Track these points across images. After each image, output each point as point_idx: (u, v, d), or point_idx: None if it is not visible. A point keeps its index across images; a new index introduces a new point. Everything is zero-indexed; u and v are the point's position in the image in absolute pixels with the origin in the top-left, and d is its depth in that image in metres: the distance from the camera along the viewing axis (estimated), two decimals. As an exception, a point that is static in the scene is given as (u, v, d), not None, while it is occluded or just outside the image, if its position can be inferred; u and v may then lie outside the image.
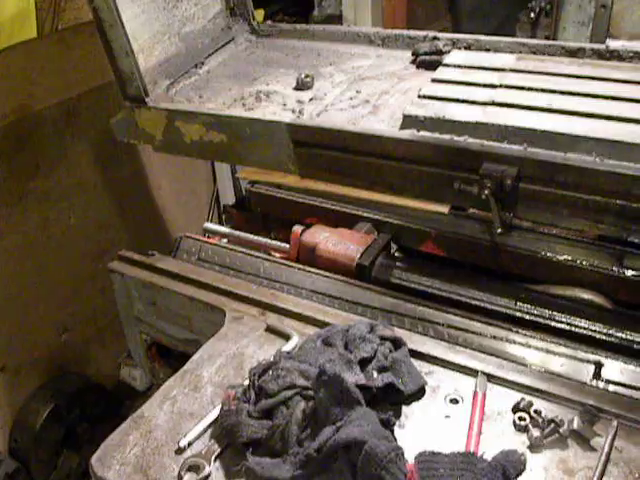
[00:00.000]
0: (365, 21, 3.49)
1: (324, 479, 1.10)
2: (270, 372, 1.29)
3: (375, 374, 1.29)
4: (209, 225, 2.16)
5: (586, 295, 1.68)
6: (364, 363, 1.31)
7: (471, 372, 1.38)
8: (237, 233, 2.06)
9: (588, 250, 1.74)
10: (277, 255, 1.89)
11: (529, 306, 1.60)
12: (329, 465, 1.11)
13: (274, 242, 1.90)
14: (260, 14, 3.61)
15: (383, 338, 1.37)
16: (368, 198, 1.93)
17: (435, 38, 2.31)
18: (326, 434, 1.11)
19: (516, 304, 1.61)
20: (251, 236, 1.97)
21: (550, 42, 2.19)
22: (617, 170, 1.62)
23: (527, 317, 1.59)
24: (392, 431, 1.22)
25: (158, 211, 3.20)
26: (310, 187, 2.01)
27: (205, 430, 1.30)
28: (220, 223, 2.99)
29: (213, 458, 1.24)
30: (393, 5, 3.50)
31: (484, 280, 1.71)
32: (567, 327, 1.55)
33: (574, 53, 2.14)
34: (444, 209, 1.85)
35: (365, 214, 1.92)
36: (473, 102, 1.88)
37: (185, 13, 2.37)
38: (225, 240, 2.05)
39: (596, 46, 2.12)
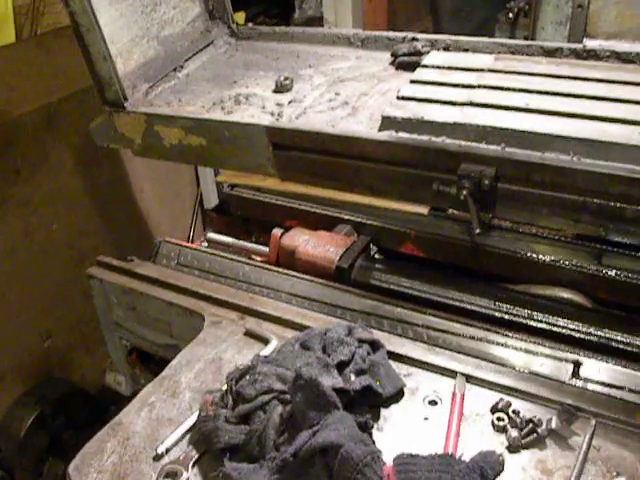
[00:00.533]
0: (346, 23, 3.49)
1: (302, 484, 1.10)
2: (247, 377, 1.28)
3: (353, 377, 1.28)
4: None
5: (565, 294, 1.68)
6: (342, 366, 1.31)
7: (450, 373, 1.38)
8: (228, 239, 2.05)
9: (567, 249, 1.74)
10: (258, 259, 1.88)
11: (509, 306, 1.60)
12: (306, 470, 1.10)
13: (254, 246, 1.90)
14: (241, 17, 3.61)
15: (361, 341, 1.37)
16: (348, 200, 1.93)
17: (414, 39, 2.31)
18: (302, 438, 1.11)
19: (496, 304, 1.61)
20: (232, 240, 1.96)
21: (528, 42, 2.19)
22: (594, 169, 1.63)
23: (507, 317, 1.59)
24: (370, 434, 1.22)
25: (141, 216, 3.19)
26: (290, 190, 2.01)
27: (183, 436, 1.29)
28: (204, 227, 2.98)
29: (191, 464, 1.23)
30: (374, 7, 3.50)
31: (464, 281, 1.71)
32: (546, 326, 1.55)
33: (552, 53, 2.15)
34: (424, 210, 1.85)
35: (345, 216, 1.92)
36: (451, 103, 1.88)
37: (164, 17, 2.36)
38: (205, 244, 2.04)
39: (573, 46, 2.13)
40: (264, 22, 3.74)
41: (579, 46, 2.11)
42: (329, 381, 1.22)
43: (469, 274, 1.78)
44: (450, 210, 1.82)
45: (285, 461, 1.09)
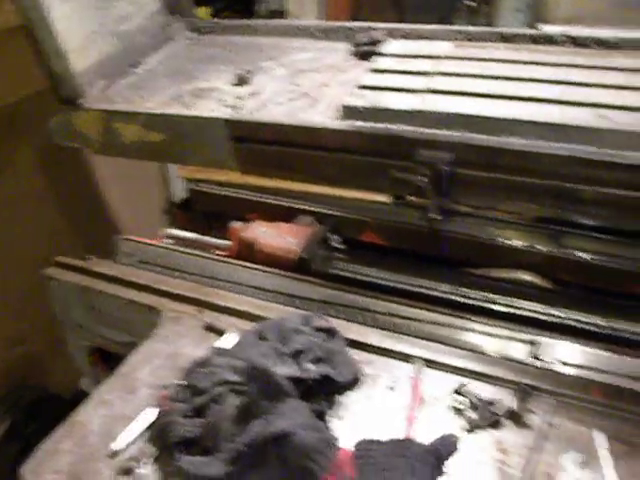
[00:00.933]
0: (309, 15, 3.48)
1: (256, 474, 1.09)
2: (202, 370, 1.27)
3: (309, 366, 1.27)
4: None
5: (525, 276, 1.69)
6: (298, 355, 1.30)
7: (410, 359, 1.37)
8: (189, 235, 2.03)
9: (527, 232, 1.75)
10: (221, 253, 1.87)
11: (469, 290, 1.60)
12: (260, 459, 1.09)
13: (215, 240, 1.89)
14: (206, 12, 3.59)
15: (318, 329, 1.36)
16: (309, 191, 1.92)
17: (372, 29, 2.31)
18: (255, 428, 1.10)
19: (456, 289, 1.61)
20: (194, 235, 1.94)
21: (487, 29, 2.19)
22: (553, 152, 1.63)
23: (467, 301, 1.59)
24: (326, 422, 1.21)
25: (109, 216, 3.15)
26: (251, 183, 1.99)
27: (139, 433, 1.27)
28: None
29: (147, 460, 1.21)
30: (338, 3, 3.49)
31: (425, 267, 1.71)
32: (506, 309, 1.55)
33: (510, 39, 2.16)
34: (384, 198, 1.85)
35: (306, 207, 1.91)
36: (410, 90, 1.88)
37: (121, 12, 2.33)
38: (170, 241, 2.02)
39: (530, 31, 2.14)
40: (229, 17, 3.72)
41: (535, 31, 2.12)
42: (284, 370, 1.21)
43: (430, 260, 1.78)
44: (410, 197, 1.81)
45: (238, 452, 1.08)
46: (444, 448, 1.14)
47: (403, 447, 1.11)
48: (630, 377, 1.33)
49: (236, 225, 1.78)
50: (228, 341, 1.43)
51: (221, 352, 1.32)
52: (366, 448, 1.12)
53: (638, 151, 1.57)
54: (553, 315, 1.52)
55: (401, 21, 3.83)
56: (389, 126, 1.78)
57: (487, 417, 1.24)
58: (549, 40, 2.11)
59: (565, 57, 1.98)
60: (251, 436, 1.08)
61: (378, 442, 1.13)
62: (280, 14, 3.69)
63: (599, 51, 2.03)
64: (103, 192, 3.08)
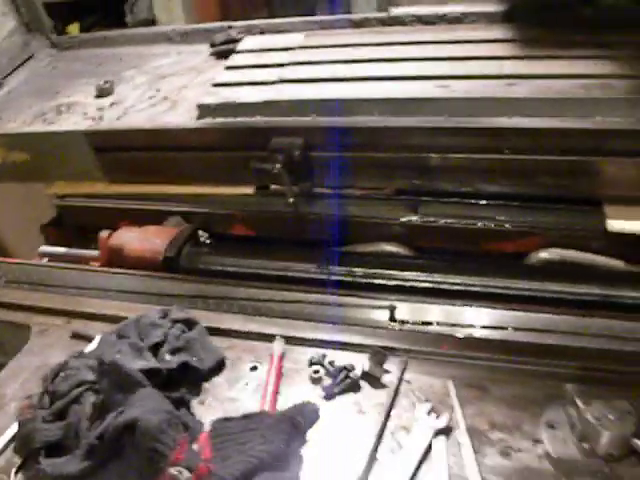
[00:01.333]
0: (177, 21, 3.50)
1: (113, 465, 1.10)
2: (61, 374, 1.28)
3: (168, 357, 1.30)
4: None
5: (389, 247, 1.75)
6: (157, 348, 1.32)
7: (270, 338, 1.41)
8: (60, 250, 2.03)
9: (386, 205, 1.81)
10: (94, 264, 1.87)
11: (334, 268, 1.65)
12: (116, 450, 1.11)
13: (85, 251, 1.89)
14: (75, 28, 3.56)
15: (175, 321, 1.38)
16: (176, 192, 1.94)
17: (230, 27, 2.35)
18: (108, 421, 1.12)
19: (322, 268, 1.66)
20: (64, 249, 1.94)
21: (337, 17, 2.27)
22: (396, 124, 1.70)
23: (332, 278, 1.63)
24: (188, 408, 1.24)
25: (-1, 244, 3.08)
26: (120, 191, 2.00)
27: (6, 446, 1.27)
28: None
29: (14, 471, 1.22)
30: (205, 3, 3.51)
31: (293, 251, 1.75)
32: (368, 280, 1.61)
33: (360, 24, 2.23)
34: (249, 190, 1.89)
35: (173, 208, 1.93)
36: (262, 83, 1.93)
37: (-26, 35, 2.30)
38: (45, 260, 2.01)
39: (379, 15, 2.22)
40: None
41: (384, 14, 2.20)
42: (140, 364, 1.23)
43: (298, 244, 1.82)
44: (272, 186, 1.86)
45: (91, 445, 1.10)
46: (301, 416, 1.18)
47: (256, 420, 1.15)
48: (480, 327, 1.40)
49: (104, 234, 1.79)
50: (94, 345, 1.44)
51: (78, 355, 1.33)
52: (220, 427, 1.15)
53: (476, 116, 1.66)
54: (410, 280, 1.58)
55: (272, 18, 3.89)
56: (244, 119, 1.82)
57: (343, 382, 1.29)
58: (398, 21, 2.19)
59: (411, 35, 2.07)
60: (103, 428, 1.10)
61: (232, 419, 1.17)
62: (150, 22, 3.69)
63: (443, 27, 2.13)
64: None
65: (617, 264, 1.62)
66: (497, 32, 1.92)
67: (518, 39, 1.83)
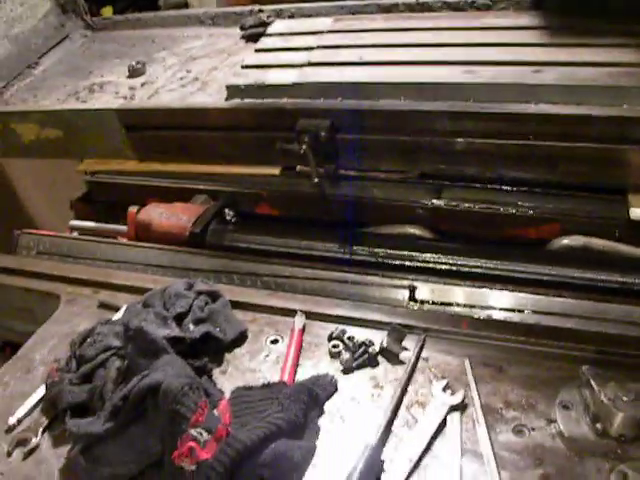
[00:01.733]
0: (210, 5, 3.53)
1: (135, 426, 1.14)
2: (88, 339, 1.32)
3: (192, 327, 1.34)
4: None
5: (411, 230, 1.77)
6: (181, 318, 1.36)
7: (291, 313, 1.44)
8: (90, 224, 2.08)
9: (410, 189, 1.83)
10: (122, 238, 1.92)
11: (358, 247, 1.68)
12: (140, 412, 1.15)
13: (114, 226, 1.93)
14: (109, 11, 3.61)
15: (200, 293, 1.42)
16: (204, 171, 1.98)
17: (260, 11, 2.37)
18: (132, 383, 1.15)
19: (345, 248, 1.68)
20: (94, 224, 1.99)
21: (366, 2, 2.28)
22: (421, 108, 1.72)
23: (356, 257, 1.66)
24: (210, 376, 1.27)
25: (28, 214, 3.14)
26: (149, 169, 2.04)
27: (35, 406, 1.32)
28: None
29: (41, 430, 1.26)
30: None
31: (317, 231, 1.78)
32: (390, 261, 1.63)
33: (388, 9, 2.24)
34: (275, 171, 1.92)
35: (201, 187, 1.96)
36: (291, 65, 1.95)
37: (11, 14, 2.36)
38: (75, 233, 2.06)
39: (407, 0, 2.22)
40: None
41: (412, 0, 2.21)
42: (164, 332, 1.27)
43: (323, 225, 1.85)
44: (298, 167, 1.89)
45: (115, 406, 1.14)
46: (319, 387, 1.22)
47: (275, 390, 1.19)
48: (499, 309, 1.42)
49: (133, 209, 1.83)
50: (121, 314, 1.48)
51: (106, 322, 1.37)
52: (240, 395, 1.19)
53: (501, 102, 1.67)
54: (431, 261, 1.60)
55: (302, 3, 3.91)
56: (272, 101, 1.85)
57: (362, 357, 1.31)
58: (426, 7, 2.20)
59: (439, 21, 2.08)
60: (127, 390, 1.14)
61: (251, 388, 1.20)
62: (184, 6, 3.72)
63: (472, 13, 2.13)
64: (21, 192, 3.06)
65: (638, 252, 1.62)
66: (525, 19, 1.92)
67: (546, 26, 1.83)
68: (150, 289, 1.54)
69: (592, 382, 1.17)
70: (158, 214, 1.80)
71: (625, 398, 1.12)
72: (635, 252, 1.64)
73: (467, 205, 1.76)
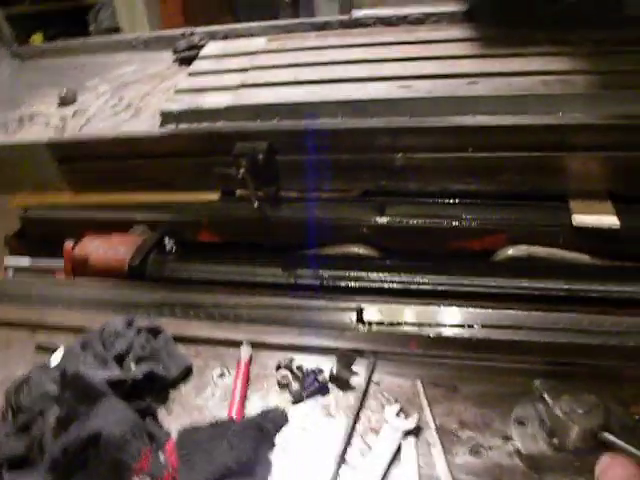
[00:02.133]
0: (143, 30, 3.47)
1: (77, 478, 1.08)
2: (25, 387, 1.26)
3: (133, 366, 1.28)
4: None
5: (356, 249, 1.75)
6: (122, 358, 1.30)
7: (237, 344, 1.40)
8: (24, 261, 2.00)
9: (353, 207, 1.80)
10: (60, 275, 1.84)
11: (301, 271, 1.64)
12: (81, 464, 1.09)
13: (50, 262, 1.86)
14: (39, 38, 3.52)
15: (140, 329, 1.36)
16: (142, 201, 1.92)
17: (192, 34, 2.34)
18: (71, 433, 1.09)
19: (289, 272, 1.64)
20: (32, 261, 1.91)
21: (299, 20, 2.27)
22: (358, 126, 1.70)
23: (300, 281, 1.62)
24: (154, 417, 1.22)
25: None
26: (85, 201, 1.98)
27: (-31, 462, 1.24)
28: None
29: (-23, 488, 1.19)
30: (170, 11, 3.49)
31: (259, 255, 1.74)
32: (335, 282, 1.60)
33: (323, 27, 2.23)
34: (215, 196, 1.88)
35: (139, 217, 1.90)
36: (225, 88, 1.92)
37: None
38: (10, 272, 1.98)
39: (340, 17, 2.22)
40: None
41: (346, 17, 2.20)
42: (103, 374, 1.21)
43: (265, 249, 1.81)
44: (237, 191, 1.85)
45: (54, 459, 1.07)
46: (269, 422, 1.17)
47: (223, 428, 1.14)
48: (448, 325, 1.39)
49: (68, 244, 1.76)
50: (59, 357, 1.41)
51: (42, 367, 1.31)
52: (188, 435, 1.13)
53: (439, 115, 1.66)
54: (378, 281, 1.57)
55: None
56: (207, 125, 1.81)
57: (311, 386, 1.28)
58: (360, 23, 2.20)
59: (373, 37, 2.08)
60: (66, 442, 1.08)
61: (199, 427, 1.15)
62: (114, 31, 3.66)
63: (405, 27, 2.14)
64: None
65: (583, 258, 1.63)
66: (458, 32, 1.93)
67: (479, 38, 1.84)
68: (90, 327, 1.48)
69: (546, 396, 1.16)
70: (95, 248, 1.73)
71: (580, 410, 1.11)
72: (580, 258, 1.65)
73: (411, 221, 1.74)
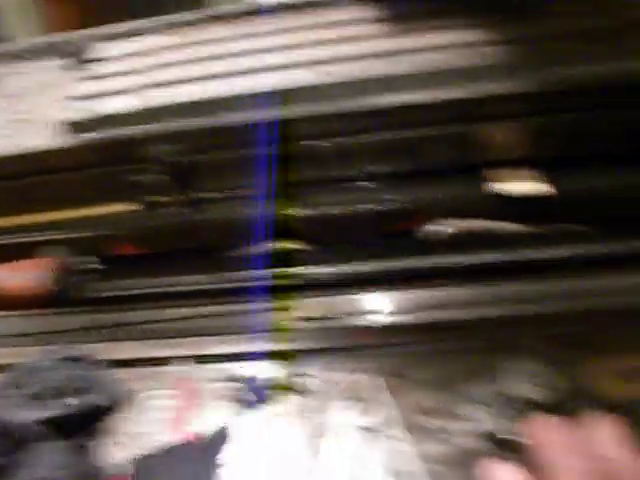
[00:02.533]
0: (27, 36, 3.28)
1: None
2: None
3: (66, 400, 1.19)
4: None
5: (282, 244, 1.69)
6: (54, 394, 1.21)
7: (173, 360, 1.33)
8: None
9: (276, 201, 1.74)
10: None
11: (231, 274, 1.57)
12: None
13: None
14: None
15: (69, 361, 1.27)
16: (53, 219, 1.80)
17: (85, 36, 2.21)
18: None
19: (219, 276, 1.57)
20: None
21: (197, 13, 2.17)
22: (276, 117, 1.64)
23: (231, 285, 1.55)
24: (96, 453, 1.14)
25: None
26: (-10, 226, 1.83)
27: None
28: None
29: None
30: (62, 14, 3.30)
31: (187, 262, 1.66)
32: (266, 282, 1.53)
33: (227, 17, 2.14)
34: (132, 206, 1.77)
35: (51, 237, 1.78)
36: (126, 91, 1.82)
37: None
38: None
39: (244, 7, 2.13)
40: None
41: (249, 6, 2.12)
42: (33, 415, 1.11)
43: (193, 254, 1.73)
44: (155, 198, 1.76)
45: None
46: (217, 438, 1.12)
47: (181, 453, 1.07)
48: (387, 313, 1.36)
49: (-26, 276, 1.63)
50: (-19, 401, 1.30)
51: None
52: (144, 463, 1.06)
53: (358, 97, 1.62)
54: (309, 274, 1.52)
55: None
56: (113, 132, 1.72)
57: (260, 394, 1.22)
58: (265, 10, 2.12)
59: (279, 24, 2.01)
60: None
61: (155, 456, 1.08)
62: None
63: (311, 11, 2.07)
64: None
65: (511, 227, 1.63)
66: (368, 12, 1.88)
67: (390, 16, 1.80)
68: (12, 364, 1.37)
69: (500, 372, 1.14)
70: (5, 277, 1.61)
71: (531, 383, 1.10)
72: (504, 227, 1.64)
73: (333, 209, 1.69)
